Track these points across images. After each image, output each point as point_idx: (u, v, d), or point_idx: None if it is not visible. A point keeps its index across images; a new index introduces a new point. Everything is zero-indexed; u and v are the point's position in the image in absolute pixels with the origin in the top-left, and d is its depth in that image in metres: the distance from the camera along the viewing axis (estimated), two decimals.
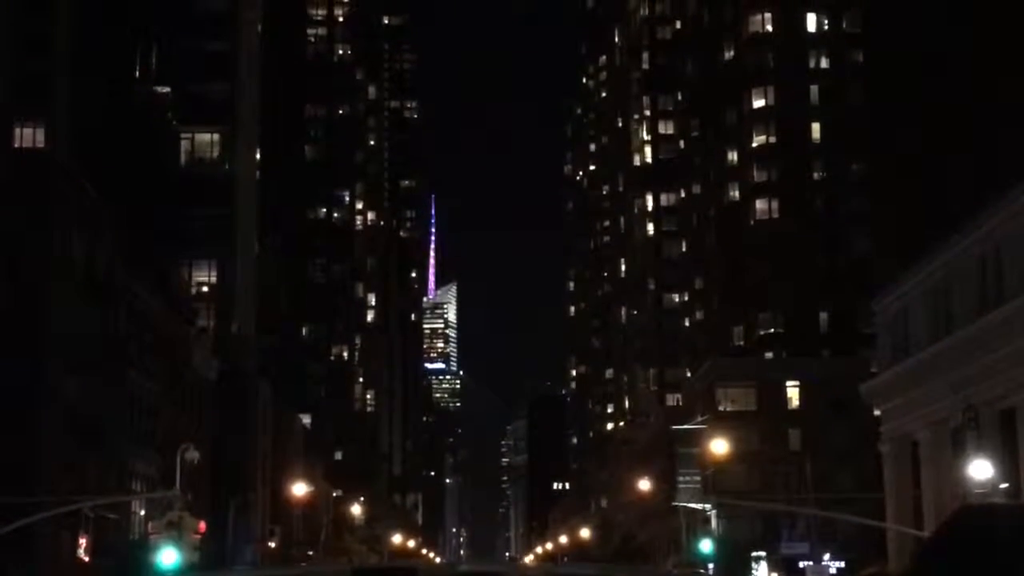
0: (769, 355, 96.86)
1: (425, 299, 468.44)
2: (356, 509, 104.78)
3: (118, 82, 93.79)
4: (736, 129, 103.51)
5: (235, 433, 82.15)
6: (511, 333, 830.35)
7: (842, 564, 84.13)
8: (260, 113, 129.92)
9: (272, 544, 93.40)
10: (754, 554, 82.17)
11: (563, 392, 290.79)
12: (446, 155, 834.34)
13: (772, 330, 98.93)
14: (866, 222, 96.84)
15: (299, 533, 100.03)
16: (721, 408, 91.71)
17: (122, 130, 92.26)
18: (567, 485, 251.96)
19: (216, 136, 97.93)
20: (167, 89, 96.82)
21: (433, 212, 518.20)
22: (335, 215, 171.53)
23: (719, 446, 51.54)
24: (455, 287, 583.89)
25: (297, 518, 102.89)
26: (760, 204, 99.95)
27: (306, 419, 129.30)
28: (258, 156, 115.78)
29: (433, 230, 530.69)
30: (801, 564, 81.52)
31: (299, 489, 62.62)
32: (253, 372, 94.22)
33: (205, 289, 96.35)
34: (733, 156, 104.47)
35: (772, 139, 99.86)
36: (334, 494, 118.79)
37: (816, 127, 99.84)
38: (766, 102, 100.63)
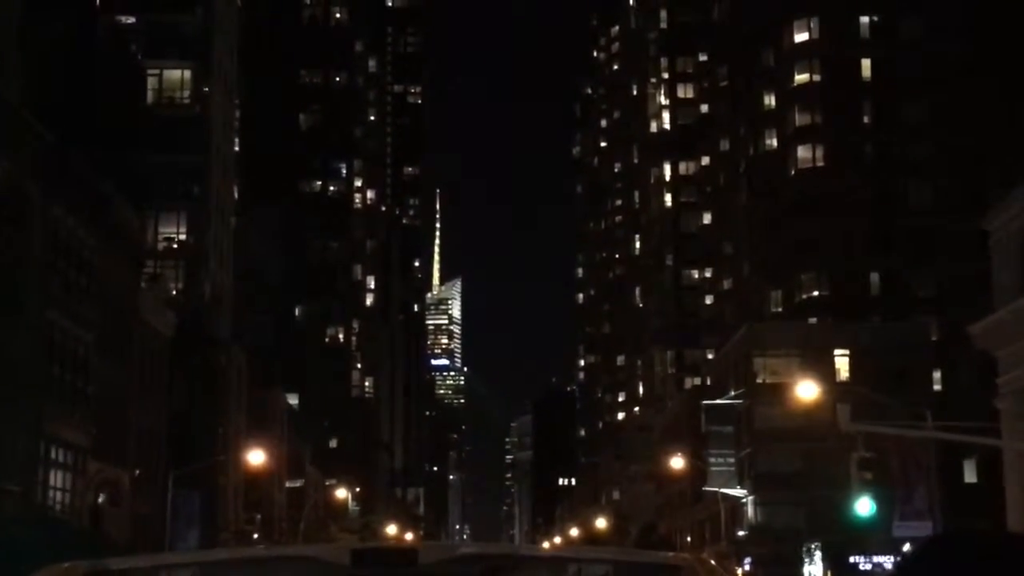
0: (813, 321, 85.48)
1: (429, 294, 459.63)
2: (341, 493, 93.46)
3: (77, 11, 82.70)
4: (774, 70, 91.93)
5: (199, 404, 70.98)
6: (516, 330, 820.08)
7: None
8: (249, 75, 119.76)
9: (256, 535, 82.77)
10: (806, 546, 70.87)
11: (569, 389, 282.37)
12: (452, 146, 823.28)
13: (816, 293, 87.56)
14: (924, 172, 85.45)
15: (280, 521, 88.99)
16: (759, 380, 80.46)
17: (82, 65, 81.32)
18: (573, 481, 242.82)
19: (188, 73, 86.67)
20: (132, 19, 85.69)
21: (438, 207, 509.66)
22: (331, 188, 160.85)
23: (807, 390, 39.25)
24: (459, 283, 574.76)
25: (279, 504, 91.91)
26: (802, 151, 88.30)
27: (293, 400, 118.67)
28: (238, 110, 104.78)
29: (438, 225, 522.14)
30: (855, 560, 70.29)
31: (256, 457, 51.13)
32: (225, 338, 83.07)
33: (174, 246, 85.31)
34: (770, 100, 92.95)
35: (816, 77, 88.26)
36: (327, 483, 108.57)
37: (866, 64, 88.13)
38: (809, 36, 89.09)
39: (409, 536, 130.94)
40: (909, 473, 48.23)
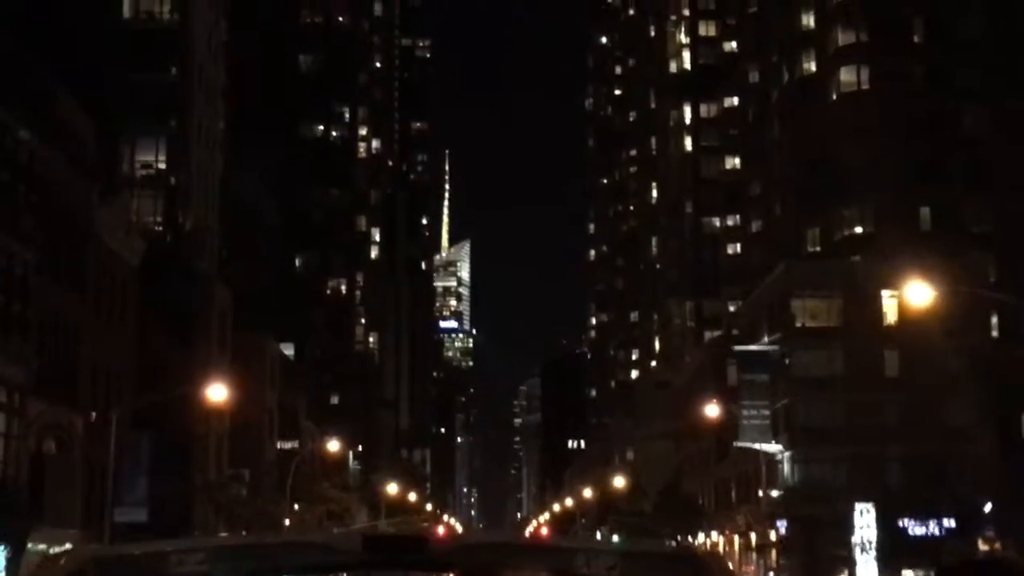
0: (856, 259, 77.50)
1: (438, 256, 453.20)
2: (334, 445, 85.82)
3: None
4: None
5: (174, 344, 63.46)
6: (526, 294, 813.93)
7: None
8: (244, 11, 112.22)
9: (245, 492, 75.56)
10: (859, 506, 63.29)
11: (578, 351, 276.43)
12: (462, 106, 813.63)
13: (859, 230, 79.60)
14: (980, 95, 77.38)
15: (269, 477, 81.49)
16: (798, 324, 72.59)
17: None
18: (582, 443, 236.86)
19: None
20: None
21: (447, 167, 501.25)
22: (333, 133, 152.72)
23: (919, 294, 29.30)
24: (468, 245, 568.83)
25: (269, 459, 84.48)
26: (845, 74, 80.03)
27: (289, 351, 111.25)
28: (226, 25, 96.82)
29: (447, 186, 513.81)
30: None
31: (217, 393, 43.40)
32: (207, 275, 75.37)
33: (151, 173, 77.57)
34: (809, 20, 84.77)
35: None
36: (328, 441, 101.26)
37: None
38: None
39: (412, 497, 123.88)
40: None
